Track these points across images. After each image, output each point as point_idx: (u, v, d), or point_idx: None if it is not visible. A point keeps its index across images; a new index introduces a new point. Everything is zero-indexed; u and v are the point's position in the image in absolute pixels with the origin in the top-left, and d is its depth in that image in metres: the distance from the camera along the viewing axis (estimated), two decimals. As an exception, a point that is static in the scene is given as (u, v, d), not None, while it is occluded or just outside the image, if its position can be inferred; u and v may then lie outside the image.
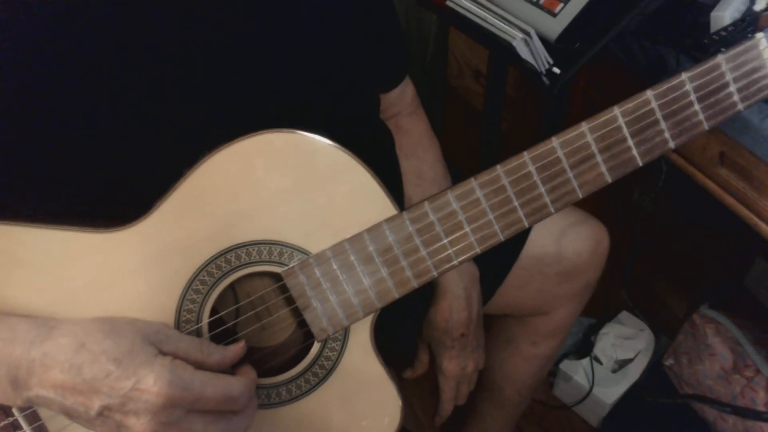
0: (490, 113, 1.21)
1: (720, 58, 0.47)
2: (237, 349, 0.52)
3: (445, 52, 1.52)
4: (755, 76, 0.47)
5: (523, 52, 0.82)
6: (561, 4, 0.84)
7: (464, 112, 0.76)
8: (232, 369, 0.53)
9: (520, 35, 0.81)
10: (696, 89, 0.47)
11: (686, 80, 0.47)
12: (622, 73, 0.88)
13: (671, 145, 0.49)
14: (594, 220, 0.88)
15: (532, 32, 0.81)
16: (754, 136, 0.68)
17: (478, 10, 0.86)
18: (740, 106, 0.48)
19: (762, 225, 0.73)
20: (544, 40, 0.83)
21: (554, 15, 0.84)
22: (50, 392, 0.46)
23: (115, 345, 0.46)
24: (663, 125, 0.48)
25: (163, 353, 0.47)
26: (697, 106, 0.47)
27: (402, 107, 0.78)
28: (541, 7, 0.85)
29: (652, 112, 0.47)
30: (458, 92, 1.57)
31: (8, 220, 0.49)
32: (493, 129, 1.22)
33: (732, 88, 0.47)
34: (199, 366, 0.49)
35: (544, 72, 0.83)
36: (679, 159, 0.81)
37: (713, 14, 0.75)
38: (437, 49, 1.51)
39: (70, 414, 0.47)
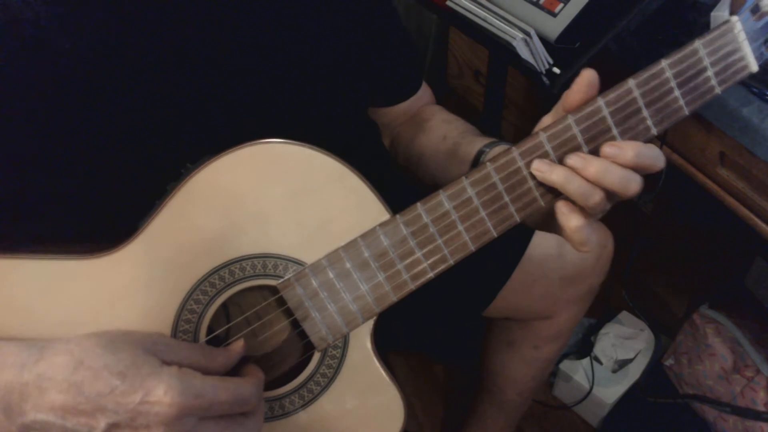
0: (491, 113, 1.21)
1: (697, 44, 0.47)
2: (237, 348, 0.51)
3: (445, 52, 1.52)
4: (731, 59, 0.47)
5: (523, 52, 0.82)
6: (561, 4, 0.84)
7: (464, 112, 0.76)
8: (237, 371, 0.52)
9: (520, 35, 0.81)
10: (675, 75, 0.47)
11: (666, 67, 0.47)
12: (622, 73, 0.88)
13: (654, 132, 0.49)
14: (599, 223, 0.87)
15: (532, 32, 0.81)
16: (754, 136, 0.68)
17: (478, 10, 0.86)
18: (718, 90, 0.48)
19: (762, 225, 0.73)
20: (544, 40, 0.82)
21: (554, 15, 0.84)
22: (49, 415, 0.44)
23: (116, 359, 0.44)
24: (645, 113, 0.48)
25: (166, 363, 0.46)
26: (677, 92, 0.48)
27: (420, 105, 0.77)
28: (541, 7, 0.85)
29: (634, 101, 0.47)
30: (458, 92, 1.57)
31: None
32: (494, 129, 1.22)
33: (710, 72, 0.48)
34: (205, 370, 0.48)
35: (544, 72, 0.83)
36: (679, 159, 0.81)
37: (713, 14, 0.75)
38: (437, 49, 1.51)
39: None
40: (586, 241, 0.49)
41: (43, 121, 0.49)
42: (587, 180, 0.47)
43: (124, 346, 0.46)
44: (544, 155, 0.49)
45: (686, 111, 0.49)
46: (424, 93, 0.76)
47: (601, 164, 0.47)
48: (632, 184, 0.47)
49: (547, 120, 0.51)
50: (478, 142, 0.63)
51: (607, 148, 0.47)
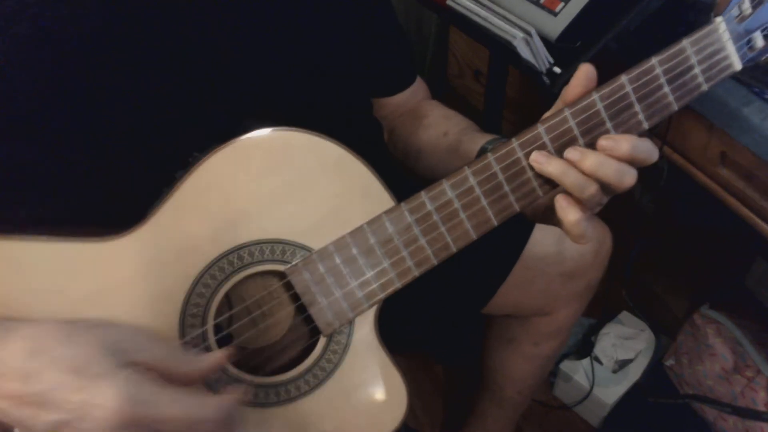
0: (491, 113, 1.21)
1: (685, 42, 0.49)
2: (215, 358, 0.47)
3: (446, 52, 1.52)
4: (716, 58, 0.50)
5: (524, 52, 0.82)
6: (561, 4, 0.84)
7: (464, 111, 0.76)
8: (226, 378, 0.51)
9: (521, 35, 0.81)
10: (665, 72, 0.49)
11: (656, 64, 0.49)
12: (623, 72, 0.88)
13: (645, 126, 0.51)
14: (597, 220, 0.88)
15: (533, 31, 0.81)
16: (754, 136, 0.68)
17: (479, 10, 0.86)
18: (704, 87, 0.50)
19: (763, 225, 0.73)
20: (544, 39, 0.83)
21: (555, 14, 0.84)
22: (3, 402, 0.42)
23: (72, 353, 0.42)
24: (637, 107, 0.50)
25: (133, 363, 0.43)
26: (666, 88, 0.50)
27: (417, 100, 0.77)
28: (542, 7, 0.85)
29: (627, 95, 0.49)
30: (459, 92, 1.57)
31: (2, 233, 0.48)
32: (494, 129, 1.22)
33: (697, 70, 0.50)
34: (175, 376, 0.45)
35: (544, 71, 0.83)
36: (679, 159, 0.81)
37: (713, 14, 0.75)
38: (437, 48, 1.51)
39: (20, 425, 0.42)
40: (584, 234, 0.51)
41: (48, 116, 0.49)
42: (583, 172, 0.49)
43: (84, 339, 0.43)
44: (542, 146, 0.50)
45: (676, 106, 0.51)
46: (420, 88, 0.77)
47: (597, 157, 0.48)
48: (627, 177, 0.49)
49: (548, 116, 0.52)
50: (480, 139, 0.64)
51: (602, 141, 0.49)
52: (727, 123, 0.71)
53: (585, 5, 0.82)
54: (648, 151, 0.48)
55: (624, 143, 0.48)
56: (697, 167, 0.79)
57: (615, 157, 0.48)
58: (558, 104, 0.51)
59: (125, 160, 0.53)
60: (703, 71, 0.50)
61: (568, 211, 0.50)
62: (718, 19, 0.49)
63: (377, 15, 0.68)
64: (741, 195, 0.74)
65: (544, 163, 0.50)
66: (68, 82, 0.49)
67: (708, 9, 0.76)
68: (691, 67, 0.49)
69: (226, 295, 0.54)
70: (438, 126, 0.71)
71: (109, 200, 0.54)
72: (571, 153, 0.49)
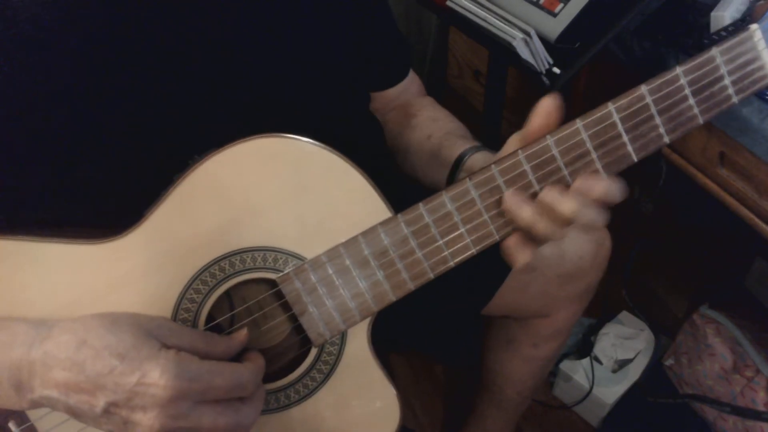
0: (491, 113, 1.21)
1: (714, 51, 0.46)
2: (241, 336, 0.52)
3: (445, 52, 1.52)
4: (749, 68, 0.46)
5: (523, 52, 0.82)
6: (561, 4, 0.84)
7: (464, 112, 0.76)
8: (238, 356, 0.52)
9: (520, 35, 0.81)
10: (690, 83, 0.46)
11: (680, 74, 0.46)
12: (623, 73, 0.88)
13: (666, 140, 0.48)
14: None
15: (532, 32, 0.81)
16: (754, 136, 0.68)
17: (478, 10, 0.86)
18: (735, 99, 0.47)
19: (762, 225, 0.73)
20: (544, 40, 0.83)
21: (554, 15, 0.84)
22: (54, 392, 0.46)
23: (117, 340, 0.46)
24: (658, 120, 0.47)
25: (167, 347, 0.47)
26: (691, 100, 0.47)
27: (409, 96, 0.77)
28: (541, 7, 0.85)
29: (646, 107, 0.46)
30: (458, 92, 1.57)
31: (1, 233, 0.49)
32: (493, 129, 1.22)
33: (726, 81, 0.46)
34: (205, 356, 0.49)
35: (544, 72, 0.83)
36: (679, 159, 0.81)
37: (713, 14, 0.75)
38: (437, 49, 1.51)
39: (76, 413, 0.47)
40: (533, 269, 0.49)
41: (48, 117, 0.50)
42: (562, 215, 0.47)
43: (126, 327, 0.47)
44: (551, 159, 0.48)
45: (701, 120, 0.47)
46: (413, 82, 0.77)
47: (577, 203, 0.46)
48: (601, 219, 0.47)
49: (512, 141, 0.50)
50: (461, 146, 0.63)
51: (577, 183, 0.47)
52: (726, 123, 0.71)
53: (584, 6, 0.82)
54: (620, 192, 0.47)
55: (598, 186, 0.46)
56: (697, 168, 0.79)
57: (592, 197, 0.46)
58: (513, 142, 0.49)
59: (125, 162, 0.53)
60: (734, 82, 0.46)
61: (519, 254, 0.49)
62: (754, 26, 0.45)
63: (371, 10, 0.68)
64: (740, 195, 0.74)
65: (516, 208, 0.48)
66: (69, 83, 0.49)
67: (708, 9, 0.76)
68: (720, 78, 0.46)
69: (229, 297, 0.54)
70: (423, 128, 0.71)
71: (108, 201, 0.54)
72: (548, 195, 0.47)
